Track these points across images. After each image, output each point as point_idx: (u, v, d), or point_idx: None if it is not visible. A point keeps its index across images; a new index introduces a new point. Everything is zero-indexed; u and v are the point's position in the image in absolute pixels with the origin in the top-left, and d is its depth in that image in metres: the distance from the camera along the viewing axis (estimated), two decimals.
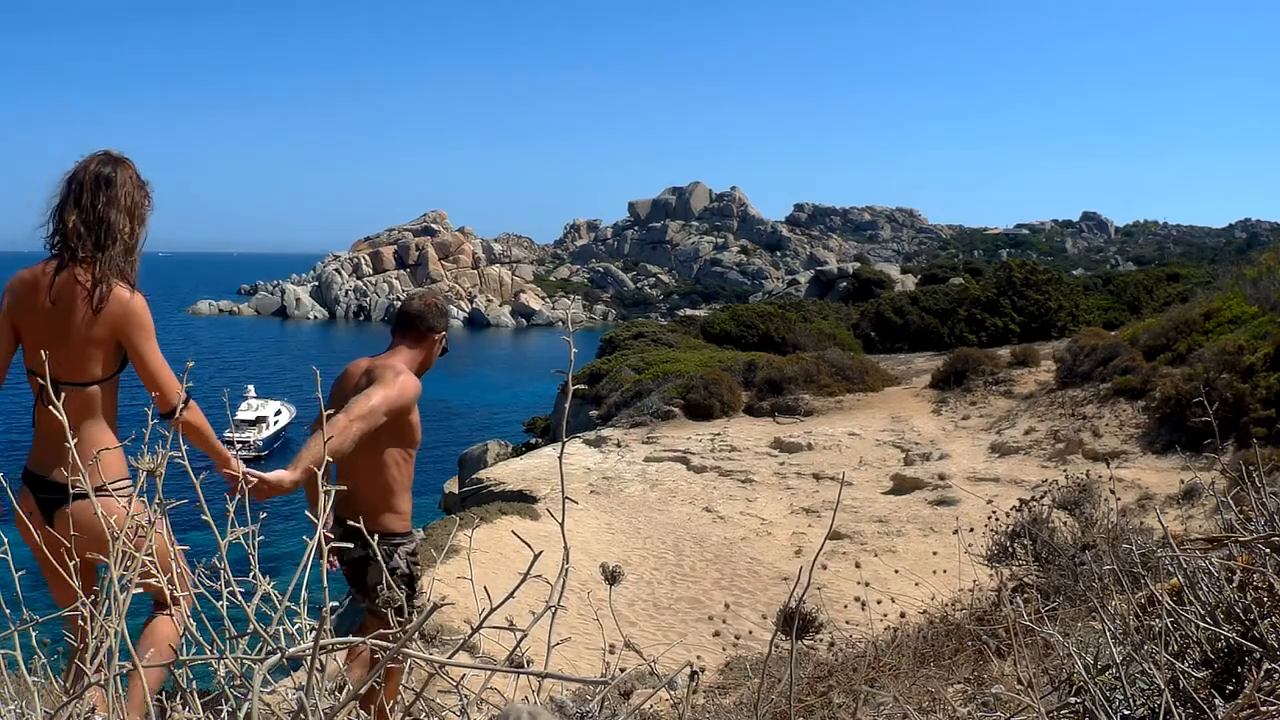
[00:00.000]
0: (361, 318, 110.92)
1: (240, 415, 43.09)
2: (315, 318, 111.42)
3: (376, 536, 2.46)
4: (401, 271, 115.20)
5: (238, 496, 2.02)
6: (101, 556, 1.75)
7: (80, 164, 3.18)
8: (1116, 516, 6.78)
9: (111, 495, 2.85)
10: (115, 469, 3.07)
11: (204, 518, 1.91)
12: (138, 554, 1.77)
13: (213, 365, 69.08)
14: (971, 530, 7.70)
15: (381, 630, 1.77)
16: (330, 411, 3.18)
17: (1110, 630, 2.24)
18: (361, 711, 1.99)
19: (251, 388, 46.82)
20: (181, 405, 3.05)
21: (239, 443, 40.29)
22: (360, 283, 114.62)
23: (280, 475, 3.35)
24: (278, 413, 45.01)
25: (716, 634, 10.06)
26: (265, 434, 43.01)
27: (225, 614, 1.89)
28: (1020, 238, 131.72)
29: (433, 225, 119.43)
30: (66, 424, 2.05)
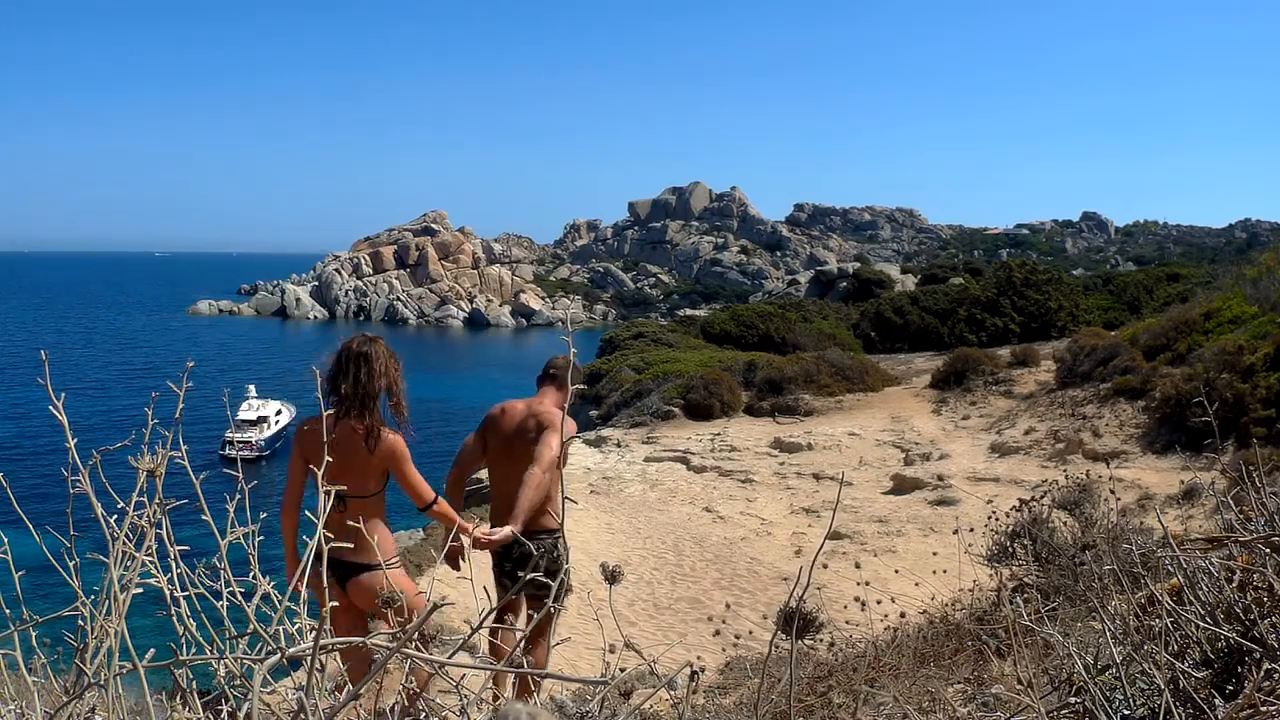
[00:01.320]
0: (361, 318, 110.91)
1: (241, 415, 43.01)
2: (315, 318, 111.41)
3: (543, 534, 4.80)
4: (401, 271, 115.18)
5: (237, 498, 2.03)
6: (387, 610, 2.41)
7: (345, 344, 4.47)
8: (1116, 516, 6.77)
9: (390, 567, 4.28)
10: (389, 549, 4.44)
11: (204, 518, 1.91)
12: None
13: (214, 365, 69.11)
14: (971, 530, 7.70)
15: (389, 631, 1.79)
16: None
17: (1110, 630, 2.24)
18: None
19: (252, 387, 46.76)
20: (432, 502, 4.51)
21: (240, 442, 40.34)
22: (360, 283, 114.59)
23: (504, 531, 4.65)
24: (278, 412, 44.94)
25: (716, 634, 10.06)
26: (267, 434, 42.94)
27: (225, 614, 1.89)
28: (1020, 238, 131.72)
29: (433, 225, 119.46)
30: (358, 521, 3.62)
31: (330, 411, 4.25)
